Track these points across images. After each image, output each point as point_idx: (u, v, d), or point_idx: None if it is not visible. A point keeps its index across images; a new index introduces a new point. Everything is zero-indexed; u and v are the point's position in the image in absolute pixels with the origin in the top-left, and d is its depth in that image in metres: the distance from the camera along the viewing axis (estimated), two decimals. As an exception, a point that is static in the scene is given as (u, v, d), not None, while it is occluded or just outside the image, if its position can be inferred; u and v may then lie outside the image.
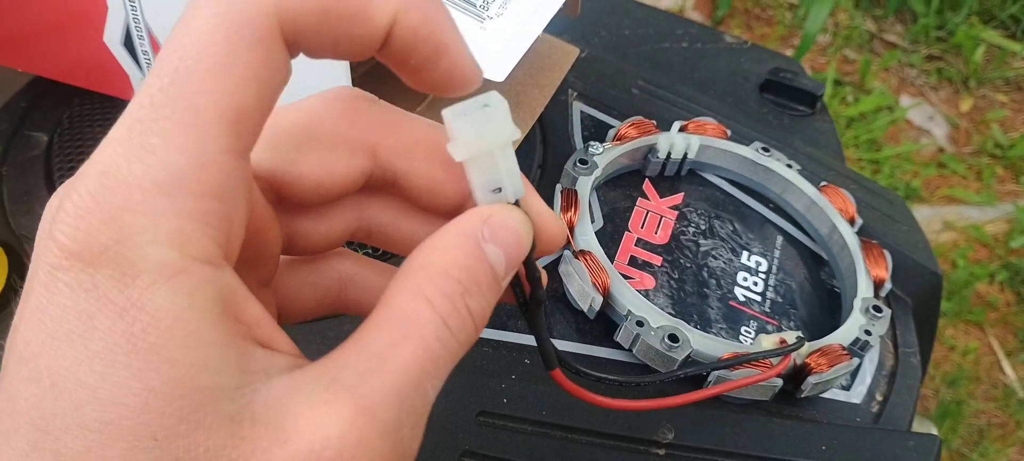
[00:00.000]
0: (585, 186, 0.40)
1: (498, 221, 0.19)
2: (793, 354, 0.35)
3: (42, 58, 0.42)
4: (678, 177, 0.45)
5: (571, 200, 0.39)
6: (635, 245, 0.41)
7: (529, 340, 0.37)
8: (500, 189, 0.20)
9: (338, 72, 0.35)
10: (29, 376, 0.16)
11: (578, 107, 0.49)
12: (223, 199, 0.16)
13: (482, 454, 0.33)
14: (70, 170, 0.41)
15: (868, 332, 0.37)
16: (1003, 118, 1.71)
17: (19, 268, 0.37)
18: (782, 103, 0.54)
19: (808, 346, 0.36)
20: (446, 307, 0.18)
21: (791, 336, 0.36)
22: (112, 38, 0.39)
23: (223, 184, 0.16)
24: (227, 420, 0.16)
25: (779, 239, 0.44)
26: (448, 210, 0.22)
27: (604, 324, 0.38)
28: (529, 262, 0.21)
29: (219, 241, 0.17)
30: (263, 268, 0.21)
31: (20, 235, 0.39)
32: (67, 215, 0.16)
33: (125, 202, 0.16)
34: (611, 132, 0.44)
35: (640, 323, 0.36)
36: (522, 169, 0.44)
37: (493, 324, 0.37)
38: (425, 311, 0.18)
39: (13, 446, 0.16)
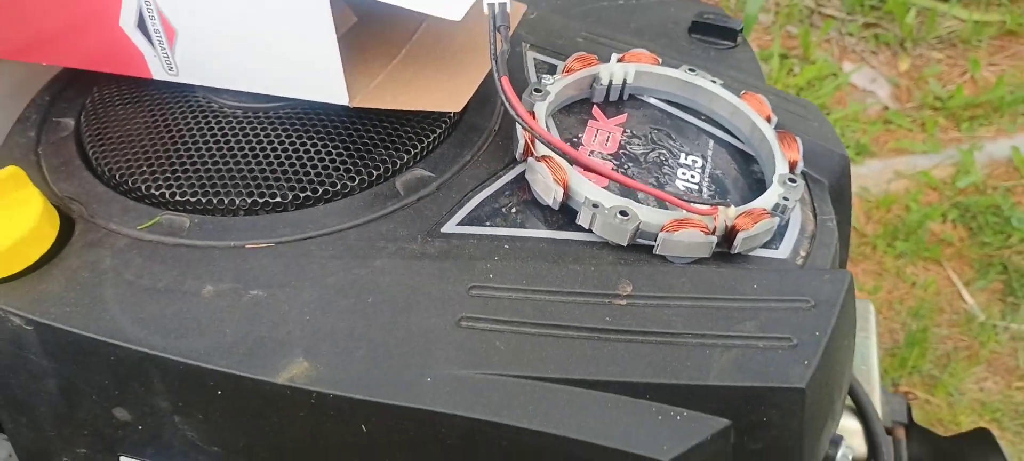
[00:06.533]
0: (541, 109, 0.48)
1: None
2: (722, 216, 0.43)
3: (68, 51, 0.48)
4: (621, 101, 0.53)
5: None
6: (588, 155, 0.49)
7: (508, 231, 0.44)
8: None
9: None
10: None
11: (531, 55, 0.56)
12: None
13: (476, 317, 0.40)
14: (101, 143, 0.48)
15: (786, 198, 0.45)
16: (940, 73, 1.81)
17: (68, 224, 0.44)
18: (708, 40, 0.61)
19: (735, 210, 0.43)
20: None
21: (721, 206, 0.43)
22: (127, 22, 0.46)
23: None
24: None
25: (711, 142, 0.51)
26: None
27: (569, 214, 0.45)
28: None
29: None
30: None
31: (64, 197, 0.45)
32: None
33: None
34: (560, 67, 0.52)
35: (595, 205, 0.43)
36: (485, 106, 0.51)
37: (478, 221, 0.44)
38: None
39: None
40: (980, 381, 1.36)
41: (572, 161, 0.43)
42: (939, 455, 0.79)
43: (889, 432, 0.78)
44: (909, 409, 0.82)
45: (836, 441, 0.45)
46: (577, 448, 0.38)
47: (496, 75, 0.41)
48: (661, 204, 0.44)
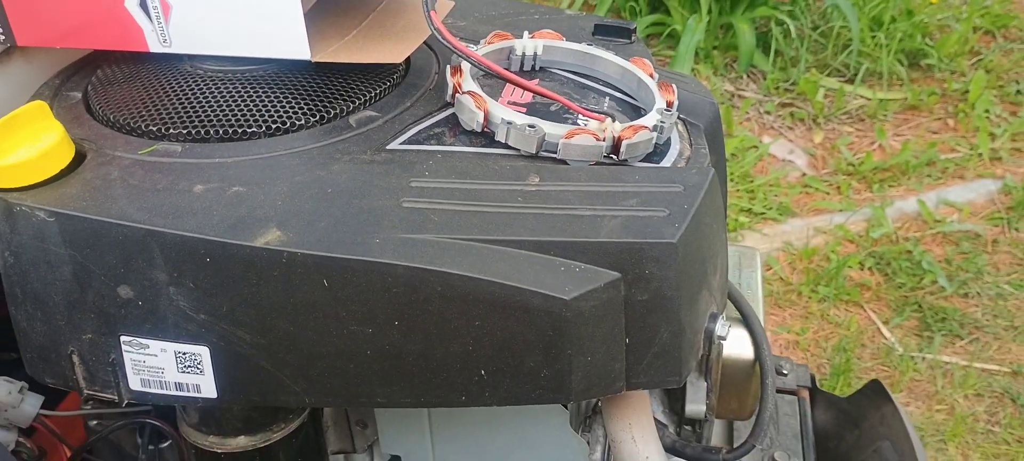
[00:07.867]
0: (466, 68, 0.59)
1: None
2: (610, 128, 0.54)
3: (83, 35, 0.59)
4: (533, 71, 0.65)
5: (457, 69, 0.58)
6: (507, 105, 0.60)
7: (441, 148, 0.55)
8: None
9: None
10: None
11: (461, 44, 0.68)
12: None
13: (415, 200, 0.50)
14: (107, 101, 0.58)
15: (663, 121, 0.57)
16: (850, 143, 1.99)
17: (80, 157, 0.54)
18: (609, 39, 0.75)
19: (621, 125, 0.55)
20: None
21: (608, 118, 0.55)
22: (131, 2, 0.57)
23: None
24: None
25: (607, 100, 0.63)
26: None
27: (489, 138, 0.56)
28: None
29: None
30: None
31: (76, 140, 0.55)
32: None
33: None
34: (482, 40, 0.64)
35: (510, 122, 0.54)
36: (422, 74, 0.62)
37: (417, 142, 0.55)
38: None
39: None
40: (903, 406, 1.46)
41: (493, 74, 0.55)
42: (841, 414, 0.89)
43: (794, 393, 0.88)
44: (813, 377, 0.92)
45: (715, 315, 0.55)
46: (497, 289, 0.47)
47: (425, 10, 0.53)
48: (564, 122, 0.56)
